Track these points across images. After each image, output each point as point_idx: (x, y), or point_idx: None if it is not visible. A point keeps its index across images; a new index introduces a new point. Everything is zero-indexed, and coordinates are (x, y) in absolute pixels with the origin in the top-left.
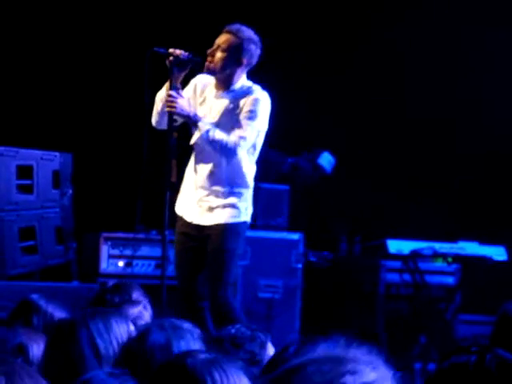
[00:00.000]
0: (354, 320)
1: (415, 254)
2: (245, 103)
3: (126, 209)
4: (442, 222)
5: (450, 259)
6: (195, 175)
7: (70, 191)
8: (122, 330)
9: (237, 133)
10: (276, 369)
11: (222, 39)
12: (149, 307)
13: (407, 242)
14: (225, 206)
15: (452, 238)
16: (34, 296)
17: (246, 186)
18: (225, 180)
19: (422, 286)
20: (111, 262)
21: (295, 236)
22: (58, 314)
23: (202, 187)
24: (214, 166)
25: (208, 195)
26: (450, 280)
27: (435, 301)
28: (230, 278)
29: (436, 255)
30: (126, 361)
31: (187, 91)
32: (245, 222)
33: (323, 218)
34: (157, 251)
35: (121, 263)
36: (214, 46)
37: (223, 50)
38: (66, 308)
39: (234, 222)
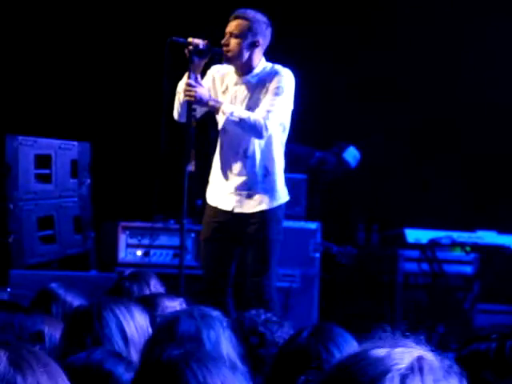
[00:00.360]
0: (371, 309)
1: (433, 244)
2: (270, 82)
3: (144, 198)
4: (461, 211)
5: (468, 248)
6: (227, 163)
7: (88, 180)
8: (143, 320)
9: (263, 107)
10: (291, 349)
11: (232, 26)
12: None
13: (425, 232)
14: (265, 191)
15: (470, 227)
16: (54, 285)
17: (279, 166)
18: (260, 163)
19: (440, 275)
20: (129, 251)
21: (313, 225)
22: (77, 302)
23: (239, 174)
24: (247, 151)
25: (245, 181)
26: (468, 269)
27: (453, 290)
28: (275, 266)
29: (454, 244)
30: (154, 350)
31: (205, 83)
32: (284, 204)
33: (341, 206)
34: (175, 240)
35: (139, 252)
36: (226, 35)
37: (236, 36)
38: (85, 297)
39: (276, 205)
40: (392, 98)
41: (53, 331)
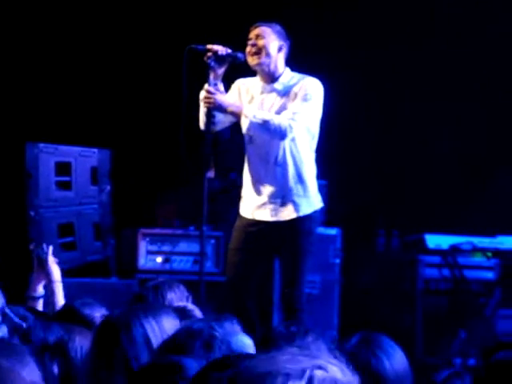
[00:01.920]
0: (392, 316)
1: (454, 249)
2: (298, 90)
3: (164, 205)
4: (481, 217)
5: (489, 254)
6: (258, 173)
7: (108, 187)
8: (171, 326)
9: (289, 110)
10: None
11: (256, 31)
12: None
13: (446, 237)
14: (299, 197)
15: (491, 233)
16: (77, 303)
17: (311, 172)
18: (291, 171)
19: (462, 281)
20: (149, 257)
21: (333, 231)
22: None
23: (270, 183)
24: (277, 159)
25: (278, 190)
26: (489, 275)
27: (475, 296)
28: (307, 274)
29: (475, 250)
30: (160, 355)
31: (231, 96)
32: (319, 210)
33: (361, 212)
34: (195, 247)
35: (159, 259)
36: (252, 38)
37: (263, 37)
38: (106, 306)
39: (311, 211)
40: (414, 103)
41: (75, 340)
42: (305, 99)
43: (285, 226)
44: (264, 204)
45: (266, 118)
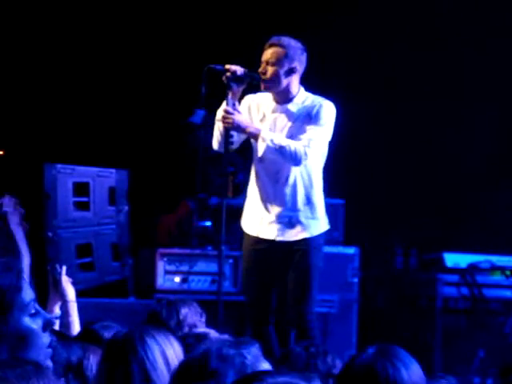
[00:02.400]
0: (411, 334)
1: (473, 268)
2: (312, 112)
3: (182, 223)
4: (499, 235)
5: (508, 272)
6: (266, 191)
7: (126, 208)
8: (180, 349)
9: (305, 136)
10: (356, 365)
11: (268, 54)
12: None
13: (464, 256)
14: (307, 218)
15: (510, 251)
16: (96, 325)
17: (319, 194)
18: (301, 192)
19: (480, 299)
20: (167, 277)
21: (351, 250)
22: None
23: (279, 202)
24: (288, 179)
25: (286, 209)
26: (508, 293)
27: (493, 314)
28: (316, 294)
29: (494, 268)
30: (183, 379)
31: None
32: (325, 231)
33: (379, 231)
34: (213, 267)
35: (177, 279)
36: (263, 64)
37: (273, 64)
38: (123, 326)
39: (317, 234)
40: (429, 124)
41: (90, 359)
42: (320, 124)
43: (291, 246)
44: (271, 222)
45: (283, 144)
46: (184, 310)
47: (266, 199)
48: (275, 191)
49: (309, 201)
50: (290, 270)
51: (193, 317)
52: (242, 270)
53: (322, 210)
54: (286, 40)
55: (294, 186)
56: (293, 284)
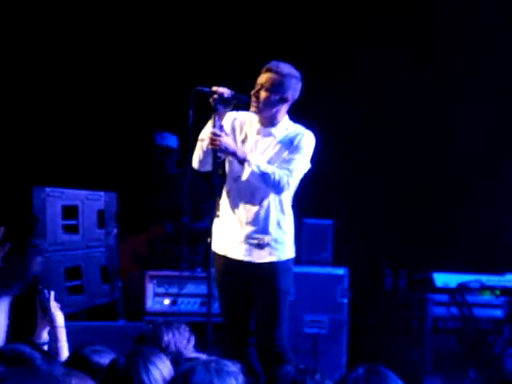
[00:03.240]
0: (401, 355)
1: (462, 287)
2: (294, 140)
3: (170, 246)
4: (489, 255)
5: (497, 292)
6: (240, 212)
7: (115, 230)
8: (166, 371)
9: (287, 165)
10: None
11: (264, 78)
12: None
13: (454, 275)
14: (276, 242)
15: (499, 271)
16: (86, 350)
17: (290, 220)
18: (273, 216)
19: (470, 319)
20: (157, 300)
21: (340, 271)
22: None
23: (251, 223)
24: (262, 202)
25: (257, 231)
26: (498, 313)
27: (484, 334)
28: (286, 318)
29: (483, 288)
30: None
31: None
32: (293, 258)
33: (368, 251)
34: (202, 289)
35: (166, 301)
36: (257, 87)
37: (267, 90)
38: (114, 349)
39: (286, 258)
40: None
41: None
42: (301, 154)
43: (258, 268)
44: (240, 243)
45: (269, 171)
46: (167, 337)
47: (238, 219)
48: (247, 213)
49: (279, 226)
50: (258, 295)
51: (176, 343)
52: (217, 290)
53: (290, 237)
54: (284, 68)
55: (268, 209)
56: (261, 309)
